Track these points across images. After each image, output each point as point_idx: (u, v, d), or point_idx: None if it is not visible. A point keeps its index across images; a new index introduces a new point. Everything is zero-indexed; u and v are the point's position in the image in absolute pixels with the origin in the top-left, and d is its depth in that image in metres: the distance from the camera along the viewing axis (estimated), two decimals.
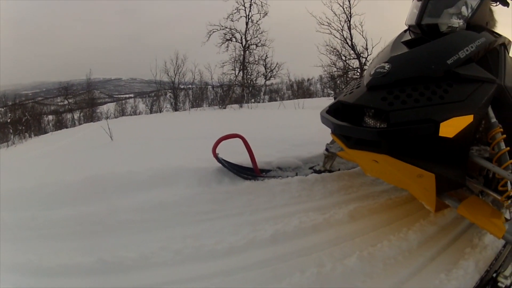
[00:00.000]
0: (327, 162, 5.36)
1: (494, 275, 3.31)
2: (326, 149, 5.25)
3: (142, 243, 3.37)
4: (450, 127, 3.05)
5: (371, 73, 3.55)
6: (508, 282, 3.18)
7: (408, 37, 4.04)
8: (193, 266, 3.20)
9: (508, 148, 3.42)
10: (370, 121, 3.34)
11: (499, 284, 3.20)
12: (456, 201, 3.56)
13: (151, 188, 4.21)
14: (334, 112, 3.80)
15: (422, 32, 3.93)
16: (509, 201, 3.36)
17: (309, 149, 5.71)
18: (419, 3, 3.95)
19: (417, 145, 3.16)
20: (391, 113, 3.12)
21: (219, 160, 4.72)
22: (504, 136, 3.45)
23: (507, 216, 3.45)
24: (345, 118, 3.55)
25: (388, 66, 3.45)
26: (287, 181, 4.72)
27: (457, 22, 3.77)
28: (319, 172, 5.23)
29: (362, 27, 26.45)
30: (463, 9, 3.82)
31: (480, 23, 3.92)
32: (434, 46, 3.58)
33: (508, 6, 4.38)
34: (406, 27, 4.20)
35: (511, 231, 3.26)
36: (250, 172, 4.93)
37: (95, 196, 3.96)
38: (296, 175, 5.06)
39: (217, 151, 4.70)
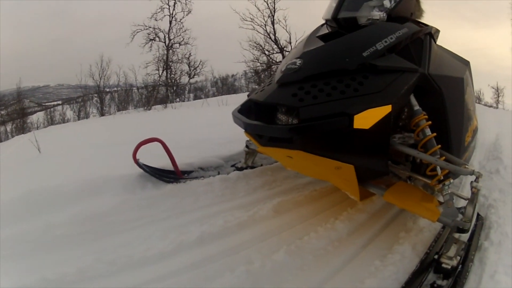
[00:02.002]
0: (249, 158, 5.36)
1: (436, 256, 3.35)
2: (247, 146, 5.25)
3: (78, 257, 3.27)
4: (366, 119, 3.06)
5: (282, 70, 3.54)
6: (454, 262, 3.22)
7: (324, 31, 4.05)
8: (127, 275, 3.14)
9: (434, 134, 3.51)
10: (283, 118, 3.31)
11: (444, 265, 3.23)
12: (382, 189, 3.60)
13: (79, 200, 4.08)
14: (247, 111, 3.78)
15: (339, 26, 3.95)
16: (440, 185, 3.40)
17: (230, 147, 5.74)
18: None
19: (332, 138, 3.15)
20: (301, 109, 3.09)
21: (140, 165, 4.63)
22: (429, 122, 3.53)
23: (441, 199, 3.46)
24: (258, 116, 3.51)
25: (300, 61, 3.44)
26: (209, 181, 4.70)
27: (378, 15, 3.79)
28: (241, 169, 5.22)
29: (285, 21, 26.70)
30: (386, 1, 3.88)
31: (404, 14, 4.01)
32: (349, 39, 3.62)
33: None
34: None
35: (446, 213, 3.30)
36: (172, 175, 4.85)
37: (29, 214, 3.82)
38: (218, 174, 5.04)
39: (138, 156, 4.62)
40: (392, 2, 3.91)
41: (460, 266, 3.27)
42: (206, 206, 4.30)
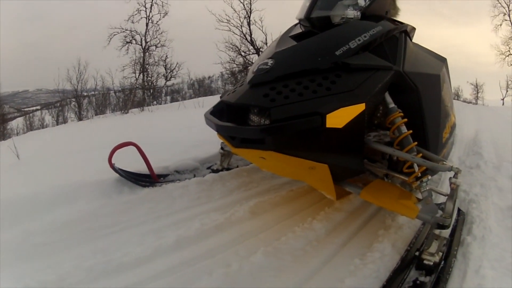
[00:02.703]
0: (224, 160, 5.32)
1: (417, 253, 3.33)
2: (222, 148, 5.21)
3: (58, 264, 3.21)
4: (338, 118, 3.03)
5: (254, 70, 3.51)
6: (436, 258, 3.20)
7: (297, 31, 4.04)
8: (105, 282, 3.08)
9: (410, 131, 3.49)
10: (256, 119, 3.28)
11: (426, 262, 3.21)
12: (358, 187, 3.58)
13: (57, 206, 4.02)
14: (219, 112, 3.74)
15: (312, 25, 3.94)
16: (418, 182, 3.38)
17: (206, 148, 5.70)
18: None
19: (305, 138, 3.11)
20: (272, 110, 3.06)
21: (116, 170, 4.57)
22: (405, 120, 3.51)
23: (419, 196, 3.45)
24: (231, 118, 3.48)
25: (271, 62, 3.42)
26: (185, 184, 4.65)
27: (352, 13, 3.80)
28: (216, 171, 5.19)
29: (261, 22, 26.79)
30: (360, 0, 3.88)
31: (379, 12, 4.02)
32: (322, 39, 3.61)
33: None
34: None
35: (426, 210, 3.30)
36: (148, 179, 4.80)
37: (7, 222, 3.74)
38: (194, 176, 5.00)
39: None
40: (367, 0, 3.91)
41: (442, 262, 3.24)
42: (183, 210, 4.25)
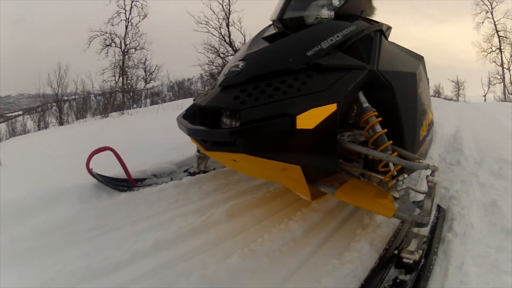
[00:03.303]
0: (201, 163, 5.32)
1: (396, 251, 3.31)
2: (198, 150, 5.21)
3: (42, 269, 3.23)
4: (309, 119, 3.01)
5: (225, 73, 3.50)
6: (416, 256, 3.19)
7: (270, 32, 4.04)
8: (87, 286, 3.09)
9: (385, 130, 3.47)
10: (227, 121, 3.26)
11: (405, 260, 3.19)
12: (333, 187, 3.55)
13: (39, 212, 4.04)
14: (192, 116, 3.75)
15: (285, 26, 3.93)
16: (394, 181, 3.37)
17: (182, 151, 5.71)
18: None
19: (276, 140, 3.09)
20: (242, 112, 3.04)
21: (94, 175, 4.56)
22: (379, 119, 3.49)
23: (397, 195, 3.42)
24: (203, 121, 3.48)
25: (242, 64, 3.40)
26: (162, 188, 4.66)
27: (327, 13, 3.79)
28: (193, 174, 5.20)
29: (240, 23, 26.93)
30: (335, 0, 3.87)
31: (354, 12, 4.02)
32: (293, 39, 3.59)
33: None
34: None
35: (402, 208, 3.27)
36: (126, 183, 4.80)
37: None
38: (171, 180, 5.00)
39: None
40: (341, 0, 3.90)
41: (423, 259, 3.23)
42: (160, 213, 4.25)
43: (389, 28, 4.55)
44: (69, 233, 3.79)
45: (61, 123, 24.82)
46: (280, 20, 3.92)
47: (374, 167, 3.71)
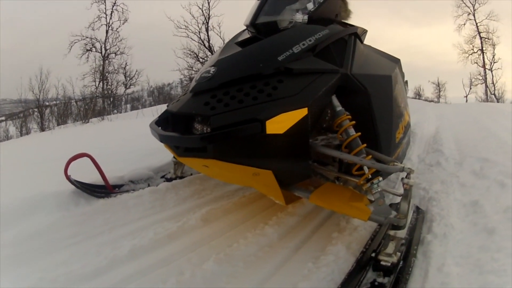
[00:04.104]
0: (177, 168, 5.31)
1: (373, 254, 3.32)
2: (174, 156, 5.12)
3: (25, 276, 3.23)
4: (279, 123, 3.02)
5: (197, 79, 3.51)
6: (394, 259, 3.19)
7: (244, 37, 4.05)
8: None
9: (359, 133, 3.47)
10: (199, 127, 3.29)
11: (383, 263, 3.20)
12: (307, 191, 3.55)
13: (21, 219, 4.03)
14: (165, 122, 3.76)
15: (258, 31, 3.93)
16: (368, 184, 3.37)
17: (160, 157, 5.69)
18: (258, 2, 3.97)
19: (246, 145, 3.10)
20: (212, 118, 3.05)
21: (72, 181, 4.53)
22: (353, 122, 3.50)
23: (372, 198, 3.43)
24: (176, 127, 3.48)
25: (214, 69, 3.40)
26: (139, 194, 4.64)
27: (300, 17, 3.79)
28: (170, 180, 5.20)
29: (220, 28, 27.01)
30: (309, 4, 3.88)
31: (328, 15, 4.03)
32: (265, 44, 3.60)
33: None
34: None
35: (378, 211, 3.28)
36: (104, 190, 4.78)
37: None
38: (148, 186, 4.99)
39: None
40: (316, 4, 3.90)
41: (401, 262, 3.24)
42: (137, 219, 4.24)
43: (365, 31, 4.56)
44: (49, 240, 3.78)
45: (42, 129, 24.69)
46: (253, 25, 3.92)
47: (349, 170, 3.72)
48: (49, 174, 5.28)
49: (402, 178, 3.38)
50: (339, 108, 3.51)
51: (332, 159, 3.99)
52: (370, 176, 3.37)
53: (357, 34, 4.20)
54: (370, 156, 3.46)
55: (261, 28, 3.90)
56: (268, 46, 3.54)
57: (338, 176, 3.93)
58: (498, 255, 3.16)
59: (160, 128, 3.75)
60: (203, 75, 3.43)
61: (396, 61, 5.06)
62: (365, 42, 4.50)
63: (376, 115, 3.79)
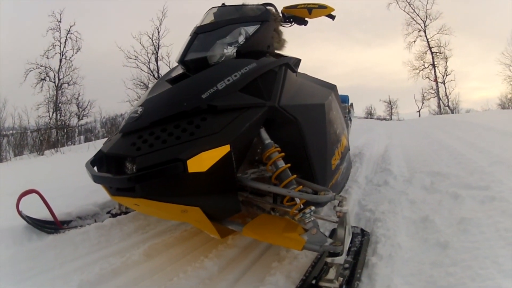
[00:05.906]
0: (122, 204, 5.27)
1: (314, 281, 3.31)
2: None
3: None
4: (201, 161, 3.06)
5: (126, 119, 3.57)
6: (336, 285, 3.17)
7: (176, 73, 4.08)
8: None
9: (288, 165, 3.52)
10: (130, 167, 3.28)
11: None
12: (240, 225, 3.59)
13: None
14: (99, 161, 3.78)
15: (187, 68, 3.96)
16: (300, 214, 3.41)
17: (105, 193, 5.60)
18: (189, 38, 4.00)
19: (171, 184, 3.13)
20: (137, 158, 3.10)
21: (23, 217, 4.59)
22: (282, 154, 3.55)
23: (307, 226, 3.44)
24: (109, 167, 3.50)
25: (141, 109, 3.45)
26: (85, 230, 4.66)
27: (231, 52, 3.83)
28: (115, 215, 5.21)
29: (169, 58, 26.99)
30: (240, 37, 3.93)
31: (258, 48, 4.05)
32: (191, 82, 3.63)
33: (306, 25, 4.53)
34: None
35: (312, 240, 3.29)
36: (53, 225, 4.81)
37: None
38: (95, 221, 5.01)
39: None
40: (245, 37, 3.96)
41: (344, 286, 3.26)
42: (85, 255, 4.28)
43: (298, 60, 4.58)
44: (8, 273, 3.83)
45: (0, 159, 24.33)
46: (183, 62, 3.96)
47: (283, 201, 3.73)
48: (7, 208, 5.26)
49: (335, 206, 3.38)
50: (268, 141, 3.56)
51: (267, 190, 3.98)
52: (301, 206, 3.43)
53: (289, 65, 4.21)
54: (301, 187, 3.52)
55: (190, 65, 3.93)
56: (193, 84, 3.57)
57: (273, 207, 4.01)
58: (454, 269, 3.25)
59: (95, 167, 3.80)
60: (131, 115, 3.48)
61: (332, 87, 5.13)
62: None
63: (309, 144, 3.85)
